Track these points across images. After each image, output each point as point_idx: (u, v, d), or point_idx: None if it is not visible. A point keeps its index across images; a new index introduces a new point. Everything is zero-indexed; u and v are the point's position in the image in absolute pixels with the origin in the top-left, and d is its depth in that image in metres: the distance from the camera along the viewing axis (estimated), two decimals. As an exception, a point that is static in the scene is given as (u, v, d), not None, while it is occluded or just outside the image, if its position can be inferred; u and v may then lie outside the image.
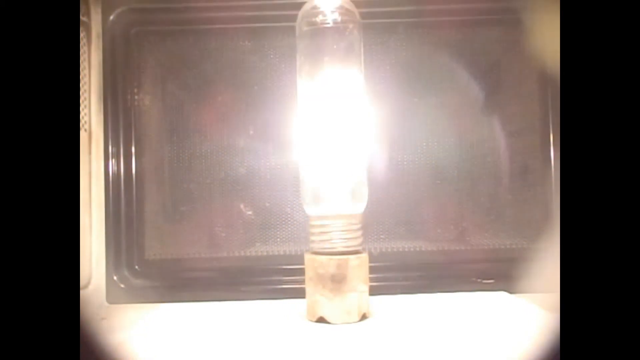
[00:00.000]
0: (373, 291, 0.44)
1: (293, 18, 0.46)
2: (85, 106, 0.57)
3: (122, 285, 0.59)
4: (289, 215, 0.61)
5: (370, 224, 0.60)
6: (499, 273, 0.58)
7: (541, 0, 0.55)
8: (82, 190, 0.56)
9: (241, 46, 0.63)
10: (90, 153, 0.58)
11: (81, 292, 0.55)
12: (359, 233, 0.44)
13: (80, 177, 0.56)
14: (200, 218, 0.63)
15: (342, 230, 0.43)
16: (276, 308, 0.49)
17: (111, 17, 0.60)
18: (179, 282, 0.61)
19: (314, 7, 0.45)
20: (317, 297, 0.42)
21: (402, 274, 0.59)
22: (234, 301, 0.52)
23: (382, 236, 0.61)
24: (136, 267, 0.60)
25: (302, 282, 0.44)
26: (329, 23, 0.44)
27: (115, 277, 0.59)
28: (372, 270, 0.44)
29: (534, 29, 0.57)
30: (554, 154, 0.60)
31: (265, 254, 0.61)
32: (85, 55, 0.58)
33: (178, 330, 0.43)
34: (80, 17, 0.57)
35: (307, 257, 0.43)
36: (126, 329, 0.43)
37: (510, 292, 0.53)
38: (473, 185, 0.63)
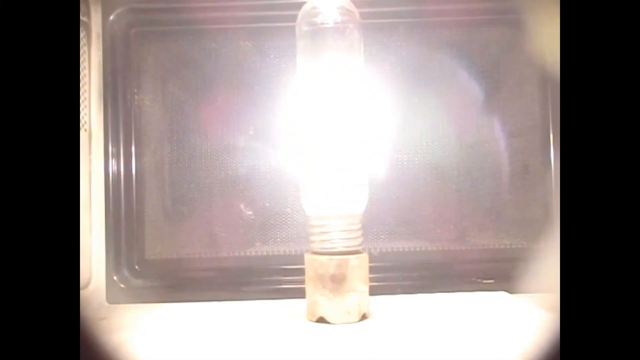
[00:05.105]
0: (373, 291, 0.44)
1: (293, 18, 0.46)
2: (85, 106, 0.57)
3: (122, 285, 0.59)
4: (289, 215, 0.61)
5: (370, 224, 0.60)
6: (499, 273, 0.58)
7: (541, 0, 0.55)
8: (82, 190, 0.56)
9: (241, 46, 0.63)
10: (90, 153, 0.58)
11: (81, 292, 0.55)
12: (359, 233, 0.44)
13: (80, 177, 0.56)
14: (200, 218, 0.63)
15: (342, 230, 0.43)
16: (276, 308, 0.49)
17: (111, 17, 0.60)
18: (179, 282, 0.61)
19: (314, 7, 0.45)
20: (317, 297, 0.42)
21: (402, 274, 0.59)
22: (234, 301, 0.52)
23: (382, 236, 0.61)
24: (136, 267, 0.60)
25: (302, 282, 0.44)
26: (329, 23, 0.44)
27: (115, 277, 0.59)
28: (372, 270, 0.44)
29: (534, 29, 0.57)
30: (554, 154, 0.60)
31: (265, 254, 0.61)
32: (85, 55, 0.58)
33: (178, 330, 0.43)
34: (80, 17, 0.57)
35: (307, 257, 0.43)
36: (126, 329, 0.43)
37: (510, 292, 0.53)
38: (473, 185, 0.63)
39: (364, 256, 0.43)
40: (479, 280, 0.59)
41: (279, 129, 0.61)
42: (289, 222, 0.61)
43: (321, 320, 0.42)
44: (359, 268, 0.42)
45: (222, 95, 0.63)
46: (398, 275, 0.59)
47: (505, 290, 0.54)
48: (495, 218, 0.63)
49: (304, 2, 0.46)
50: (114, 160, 0.60)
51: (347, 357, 0.35)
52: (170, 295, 0.58)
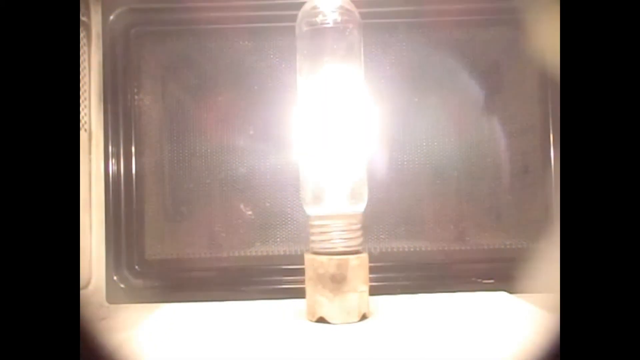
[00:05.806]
0: (373, 291, 0.44)
1: (293, 18, 0.46)
2: (85, 106, 0.57)
3: (122, 285, 0.59)
4: (289, 215, 0.61)
5: (370, 224, 0.60)
6: (499, 273, 0.58)
7: (541, 0, 0.55)
8: (82, 190, 0.56)
9: (241, 46, 0.63)
10: (90, 153, 0.58)
11: (81, 292, 0.55)
12: (359, 233, 0.44)
13: (80, 177, 0.56)
14: (200, 218, 0.63)
15: (342, 230, 0.43)
16: (276, 308, 0.49)
17: (111, 17, 0.60)
18: (179, 282, 0.61)
19: (314, 7, 0.45)
20: (317, 297, 0.42)
21: (402, 274, 0.59)
22: (234, 301, 0.52)
23: (382, 236, 0.61)
24: (136, 267, 0.60)
25: (302, 282, 0.44)
26: (329, 23, 0.44)
27: (115, 277, 0.59)
28: (372, 270, 0.44)
29: (534, 29, 0.57)
30: (554, 154, 0.60)
31: (265, 254, 0.61)
32: (85, 56, 0.58)
33: (178, 330, 0.43)
34: (80, 17, 0.57)
35: (307, 257, 0.43)
36: (126, 329, 0.43)
37: (510, 292, 0.53)
38: (473, 185, 0.63)
39: (364, 256, 0.43)
40: (479, 280, 0.59)
41: (279, 129, 0.61)
42: (289, 222, 0.61)
43: (321, 320, 0.42)
44: (359, 268, 0.42)
45: (222, 95, 0.63)
46: (398, 275, 0.59)
47: (505, 290, 0.54)
48: (495, 218, 0.63)
49: (304, 2, 0.46)
50: (114, 160, 0.60)
51: (347, 357, 0.35)
52: (170, 295, 0.58)
